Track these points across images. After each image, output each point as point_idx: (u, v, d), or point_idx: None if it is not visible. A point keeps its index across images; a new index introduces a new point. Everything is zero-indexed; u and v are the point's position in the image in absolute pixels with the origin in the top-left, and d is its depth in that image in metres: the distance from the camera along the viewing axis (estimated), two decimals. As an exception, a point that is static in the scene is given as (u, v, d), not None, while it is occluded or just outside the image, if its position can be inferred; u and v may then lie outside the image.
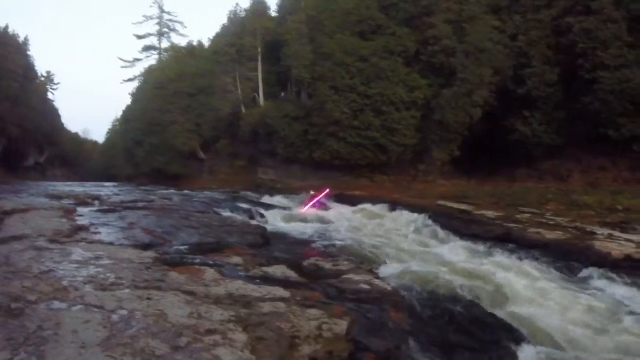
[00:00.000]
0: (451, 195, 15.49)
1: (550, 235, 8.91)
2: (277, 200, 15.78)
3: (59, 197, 11.47)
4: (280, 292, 3.77)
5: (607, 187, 14.00)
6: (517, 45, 17.92)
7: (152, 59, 44.16)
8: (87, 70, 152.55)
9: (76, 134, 64.95)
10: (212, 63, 28.76)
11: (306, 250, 7.36)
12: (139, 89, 40.93)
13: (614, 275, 6.47)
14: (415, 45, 20.36)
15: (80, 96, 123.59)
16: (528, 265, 6.94)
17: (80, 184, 31.21)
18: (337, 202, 15.11)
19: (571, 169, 16.66)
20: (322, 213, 12.67)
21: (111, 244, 5.48)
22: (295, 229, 9.88)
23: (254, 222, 9.62)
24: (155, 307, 3.02)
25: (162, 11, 44.60)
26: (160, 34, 44.74)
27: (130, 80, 44.70)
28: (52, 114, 48.85)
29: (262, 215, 11.25)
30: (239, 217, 10.27)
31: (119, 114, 51.46)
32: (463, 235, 9.58)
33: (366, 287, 4.39)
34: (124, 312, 2.89)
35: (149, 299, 3.19)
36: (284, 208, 13.38)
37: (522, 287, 5.70)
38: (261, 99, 26.18)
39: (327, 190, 14.97)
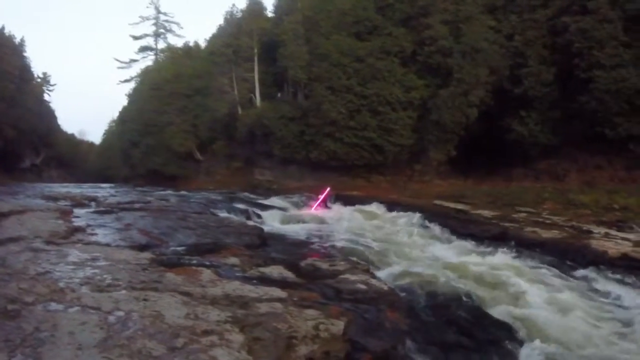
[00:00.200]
0: (448, 194, 15.54)
1: (546, 234, 8.93)
2: (274, 200, 15.75)
3: (55, 199, 11.43)
4: (277, 292, 3.78)
5: (603, 186, 14.04)
6: (513, 44, 17.96)
7: (149, 60, 44.33)
8: (83, 71, 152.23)
9: (72, 135, 64.47)
10: (209, 64, 28.79)
11: (303, 250, 7.34)
12: (135, 89, 40.83)
13: (610, 274, 6.52)
14: (411, 46, 20.36)
15: (77, 97, 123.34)
16: (524, 264, 6.97)
17: (77, 185, 30.96)
18: (334, 203, 15.17)
19: (567, 168, 16.69)
20: (320, 214, 12.70)
21: (108, 245, 5.47)
22: (292, 229, 9.87)
23: (250, 223, 9.59)
24: (152, 308, 3.02)
25: (159, 12, 44.70)
26: (157, 35, 44.77)
27: (126, 81, 44.87)
28: (48, 115, 48.49)
29: (259, 216, 11.25)
30: (236, 218, 10.24)
31: (115, 114, 51.47)
32: (459, 234, 9.59)
33: (363, 287, 4.40)
34: (121, 313, 2.89)
35: (145, 299, 3.19)
36: (281, 208, 13.37)
37: (519, 286, 5.71)
38: (257, 100, 26.13)
39: (328, 189, 15.02)
